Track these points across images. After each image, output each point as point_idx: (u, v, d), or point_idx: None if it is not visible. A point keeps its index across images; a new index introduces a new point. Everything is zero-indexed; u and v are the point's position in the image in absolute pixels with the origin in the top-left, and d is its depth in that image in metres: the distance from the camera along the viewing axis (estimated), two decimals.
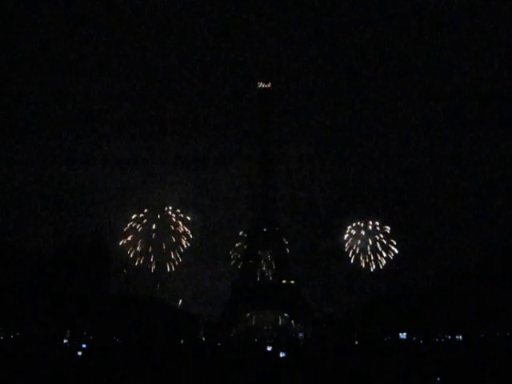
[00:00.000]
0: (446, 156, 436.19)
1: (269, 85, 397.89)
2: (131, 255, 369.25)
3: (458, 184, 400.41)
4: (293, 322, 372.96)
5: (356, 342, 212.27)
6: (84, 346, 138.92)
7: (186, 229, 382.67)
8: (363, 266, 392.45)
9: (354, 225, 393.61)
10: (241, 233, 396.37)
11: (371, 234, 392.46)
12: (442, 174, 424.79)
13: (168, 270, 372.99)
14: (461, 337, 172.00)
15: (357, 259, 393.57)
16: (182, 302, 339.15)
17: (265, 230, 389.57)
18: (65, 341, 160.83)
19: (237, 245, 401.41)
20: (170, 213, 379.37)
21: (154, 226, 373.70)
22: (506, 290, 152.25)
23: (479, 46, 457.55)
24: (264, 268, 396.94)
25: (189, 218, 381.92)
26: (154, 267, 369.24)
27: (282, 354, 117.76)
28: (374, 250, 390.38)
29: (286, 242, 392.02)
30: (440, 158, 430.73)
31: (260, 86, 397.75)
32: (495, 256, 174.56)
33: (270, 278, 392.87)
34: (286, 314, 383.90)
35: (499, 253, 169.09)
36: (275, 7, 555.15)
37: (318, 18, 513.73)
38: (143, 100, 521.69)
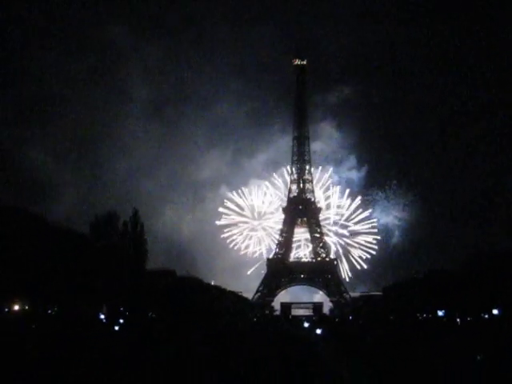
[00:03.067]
0: None
1: (304, 61, 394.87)
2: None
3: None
4: (329, 299, 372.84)
5: (392, 319, 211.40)
6: (121, 320, 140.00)
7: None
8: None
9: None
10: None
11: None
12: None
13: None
14: (496, 311, 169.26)
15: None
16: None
17: (300, 207, 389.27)
18: (101, 316, 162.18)
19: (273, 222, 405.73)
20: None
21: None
22: None
23: None
24: (299, 245, 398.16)
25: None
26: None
27: (318, 331, 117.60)
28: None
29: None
30: None
31: (295, 62, 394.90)
32: None
33: (306, 256, 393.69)
34: (320, 292, 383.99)
35: None
36: None
37: None
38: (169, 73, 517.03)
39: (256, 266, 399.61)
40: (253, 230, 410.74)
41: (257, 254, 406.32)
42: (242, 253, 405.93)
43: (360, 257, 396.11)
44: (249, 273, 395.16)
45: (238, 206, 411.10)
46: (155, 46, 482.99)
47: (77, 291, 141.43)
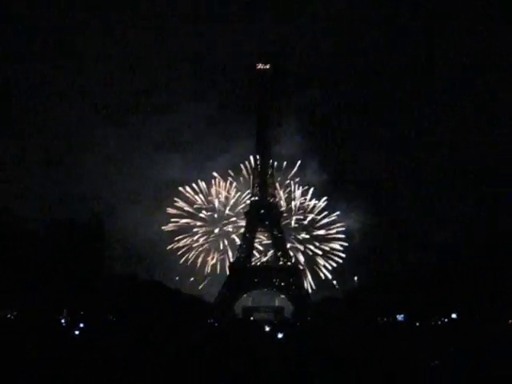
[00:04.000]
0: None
1: (267, 66, 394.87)
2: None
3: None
4: (290, 303, 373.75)
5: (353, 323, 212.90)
6: (81, 325, 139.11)
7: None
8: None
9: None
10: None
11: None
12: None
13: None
14: (455, 315, 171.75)
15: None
16: (178, 280, 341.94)
17: (262, 211, 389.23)
18: (62, 320, 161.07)
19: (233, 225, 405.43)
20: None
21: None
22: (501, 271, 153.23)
23: None
24: (261, 249, 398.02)
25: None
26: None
27: (279, 335, 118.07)
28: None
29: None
30: None
31: (259, 67, 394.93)
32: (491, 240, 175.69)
33: (268, 260, 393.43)
34: (282, 296, 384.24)
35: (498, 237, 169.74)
36: None
37: None
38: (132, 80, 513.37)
39: (209, 278, 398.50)
40: (211, 235, 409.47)
41: (215, 260, 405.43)
42: (199, 263, 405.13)
43: (325, 266, 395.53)
44: (200, 287, 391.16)
45: (196, 209, 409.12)
46: (117, 51, 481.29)
47: (36, 295, 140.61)
